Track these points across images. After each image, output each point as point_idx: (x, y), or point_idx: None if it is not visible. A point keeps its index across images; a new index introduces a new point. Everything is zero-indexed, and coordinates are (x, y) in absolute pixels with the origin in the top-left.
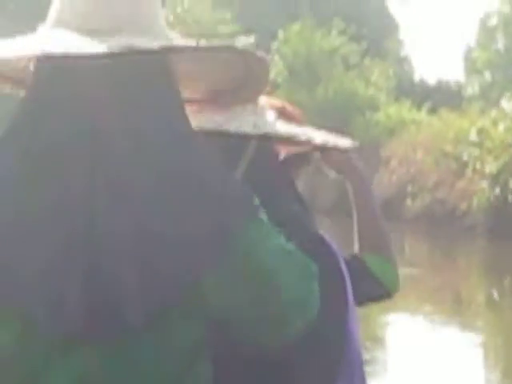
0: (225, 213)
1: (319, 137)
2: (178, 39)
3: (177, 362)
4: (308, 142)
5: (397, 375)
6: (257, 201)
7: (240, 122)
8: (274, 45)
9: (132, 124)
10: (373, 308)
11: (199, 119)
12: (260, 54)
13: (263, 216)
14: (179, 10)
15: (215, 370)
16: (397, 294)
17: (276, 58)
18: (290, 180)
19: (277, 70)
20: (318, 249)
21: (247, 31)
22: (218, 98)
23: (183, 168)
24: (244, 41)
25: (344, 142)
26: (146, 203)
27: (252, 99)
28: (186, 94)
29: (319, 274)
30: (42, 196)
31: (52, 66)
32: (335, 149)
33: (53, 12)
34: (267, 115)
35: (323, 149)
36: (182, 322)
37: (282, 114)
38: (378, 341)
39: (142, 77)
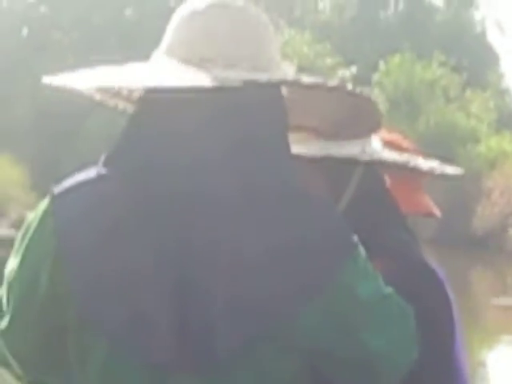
0: (323, 252)
1: (426, 164)
2: (292, 74)
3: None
4: (415, 169)
5: None
6: (355, 238)
7: (348, 148)
8: (375, 77)
9: (240, 163)
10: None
11: (306, 145)
12: (368, 95)
13: (362, 254)
14: (280, 41)
15: None
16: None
17: (377, 90)
18: (397, 208)
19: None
20: (427, 276)
21: (348, 63)
22: (330, 132)
23: (288, 216)
24: (345, 73)
25: (451, 170)
26: (242, 227)
27: (365, 136)
28: (295, 121)
29: (426, 307)
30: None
31: (163, 98)
32: (442, 176)
33: (165, 42)
34: (374, 142)
35: (429, 176)
36: (275, 355)
37: (391, 144)
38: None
39: (256, 113)
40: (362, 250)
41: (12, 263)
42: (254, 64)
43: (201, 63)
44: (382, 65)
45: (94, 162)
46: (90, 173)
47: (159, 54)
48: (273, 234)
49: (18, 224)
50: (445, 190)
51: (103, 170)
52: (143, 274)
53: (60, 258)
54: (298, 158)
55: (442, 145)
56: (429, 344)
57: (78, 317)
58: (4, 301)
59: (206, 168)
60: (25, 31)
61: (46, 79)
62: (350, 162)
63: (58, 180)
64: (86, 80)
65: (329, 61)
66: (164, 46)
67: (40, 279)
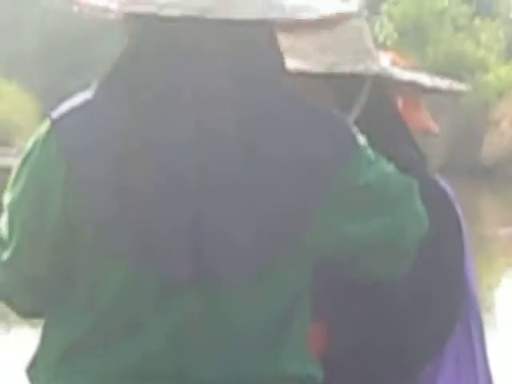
0: (326, 149)
1: (432, 80)
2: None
3: (281, 309)
4: (421, 86)
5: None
6: (354, 130)
7: (352, 64)
8: (384, 7)
9: (238, 80)
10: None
11: (310, 63)
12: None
13: (362, 145)
14: None
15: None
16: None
17: (385, 19)
18: (406, 126)
19: (386, 31)
20: (437, 194)
21: None
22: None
23: (287, 119)
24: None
25: (456, 86)
26: (255, 150)
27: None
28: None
29: (436, 225)
30: (153, 134)
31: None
32: (447, 92)
33: None
34: (381, 60)
35: (435, 93)
36: (290, 270)
37: (397, 64)
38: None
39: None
40: (361, 139)
41: (13, 192)
42: None
43: None
44: None
45: (88, 87)
46: (87, 95)
47: None
48: (280, 148)
49: None
50: (452, 120)
51: (102, 91)
52: (161, 195)
53: (72, 182)
54: (304, 74)
55: (450, 74)
56: (438, 261)
57: (94, 240)
58: (5, 232)
59: (209, 97)
60: None
61: None
62: (358, 78)
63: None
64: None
65: None
66: None
67: (49, 205)
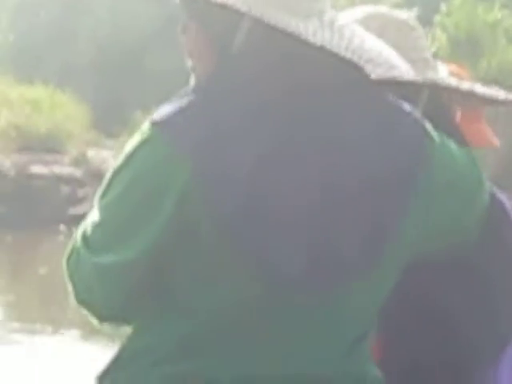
0: (401, 157)
1: (490, 91)
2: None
3: (372, 312)
4: (479, 96)
5: None
6: (429, 126)
7: (412, 73)
8: (437, 18)
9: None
10: None
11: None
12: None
13: (432, 134)
14: None
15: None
16: None
17: (438, 31)
18: (463, 138)
19: (439, 43)
20: (495, 207)
21: (410, 4)
22: None
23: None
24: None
25: None
26: (362, 153)
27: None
28: None
29: (496, 230)
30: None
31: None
32: (505, 102)
33: None
34: (438, 70)
35: (492, 104)
36: (383, 278)
37: (455, 75)
38: None
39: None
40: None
41: (112, 194)
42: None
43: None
44: (443, 6)
45: (177, 94)
46: (187, 99)
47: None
48: (368, 164)
49: (78, 161)
50: (506, 131)
51: (204, 93)
52: (284, 196)
53: (192, 184)
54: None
55: (503, 86)
56: (498, 271)
57: (214, 239)
58: (98, 235)
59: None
60: None
61: None
62: (415, 87)
63: (119, 118)
64: None
65: (391, 1)
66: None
67: (158, 207)
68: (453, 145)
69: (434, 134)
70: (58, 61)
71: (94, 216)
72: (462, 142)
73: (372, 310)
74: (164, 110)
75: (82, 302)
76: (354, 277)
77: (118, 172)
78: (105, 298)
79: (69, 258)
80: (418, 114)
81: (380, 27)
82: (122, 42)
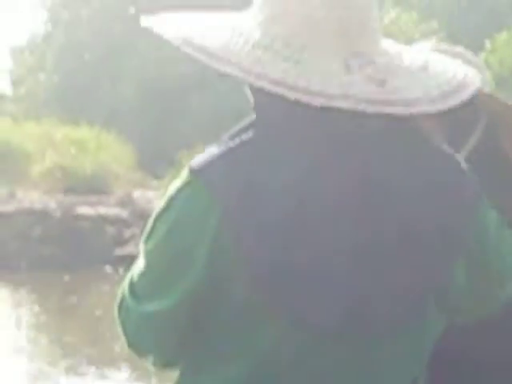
0: (459, 206)
1: None
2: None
3: (417, 363)
4: None
5: None
6: (478, 188)
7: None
8: (481, 55)
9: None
10: None
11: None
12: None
13: (483, 202)
14: (386, 20)
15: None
16: None
17: None
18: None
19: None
20: None
21: (454, 41)
22: None
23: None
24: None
25: None
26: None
27: None
28: None
29: None
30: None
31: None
32: None
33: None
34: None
35: None
36: (435, 318)
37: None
38: None
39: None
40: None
41: (153, 240)
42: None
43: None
44: (487, 43)
45: (219, 139)
46: (230, 143)
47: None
48: (419, 183)
49: (123, 202)
50: None
51: (248, 139)
52: (322, 260)
53: (224, 236)
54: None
55: None
56: None
57: (247, 292)
58: (143, 283)
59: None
60: (131, 10)
61: (144, 21)
62: (475, 112)
63: (165, 158)
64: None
65: (434, 40)
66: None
67: (196, 255)
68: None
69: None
70: (104, 102)
71: (139, 262)
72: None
73: (412, 362)
74: (201, 157)
75: (133, 348)
76: (388, 331)
77: (160, 216)
78: (153, 345)
79: (119, 306)
80: (469, 172)
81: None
82: (166, 82)
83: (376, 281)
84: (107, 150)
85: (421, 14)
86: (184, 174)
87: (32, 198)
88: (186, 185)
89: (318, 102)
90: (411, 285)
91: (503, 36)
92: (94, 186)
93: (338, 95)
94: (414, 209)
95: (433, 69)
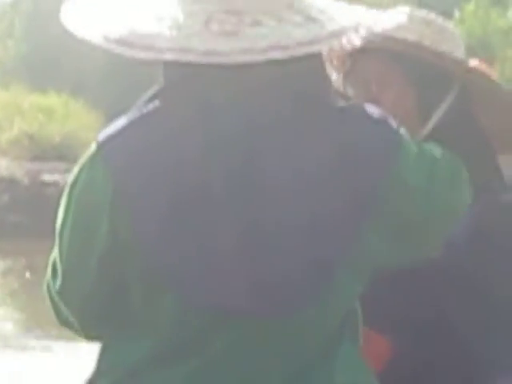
0: (370, 160)
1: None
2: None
3: (335, 326)
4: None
5: None
6: (398, 131)
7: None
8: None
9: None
10: None
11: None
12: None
13: (408, 145)
14: None
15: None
16: None
17: None
18: (489, 144)
19: None
20: (502, 218)
21: (424, 9)
22: None
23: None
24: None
25: None
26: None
27: None
28: None
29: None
30: (203, 157)
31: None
32: None
33: None
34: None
35: None
36: (344, 287)
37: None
38: None
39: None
40: (406, 138)
41: (61, 218)
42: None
43: (235, 18)
44: (456, 13)
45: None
46: (133, 115)
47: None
48: (321, 151)
49: None
50: None
51: (151, 109)
52: (212, 218)
53: (119, 203)
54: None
55: None
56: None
57: (143, 264)
58: (57, 259)
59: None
60: None
61: (63, 17)
62: (447, 78)
63: None
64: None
65: (404, 6)
66: None
67: (97, 230)
68: (432, 151)
69: (407, 141)
70: (72, 69)
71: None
72: (486, 147)
73: (335, 323)
74: (108, 129)
75: (63, 324)
76: (303, 303)
77: (68, 191)
78: (76, 320)
79: (45, 286)
80: (387, 121)
81: (420, 28)
82: None
83: (276, 257)
84: (75, 118)
85: None
86: (92, 146)
87: (0, 165)
88: (91, 156)
89: (148, 55)
90: (321, 258)
91: (471, 6)
92: (61, 154)
93: (169, 48)
94: (323, 183)
95: (324, 17)
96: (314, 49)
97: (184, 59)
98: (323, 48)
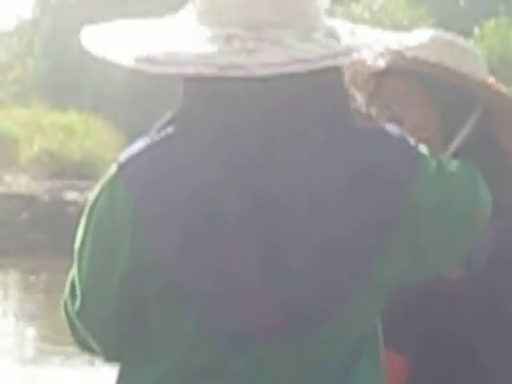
0: (387, 183)
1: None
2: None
3: (355, 342)
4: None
5: None
6: (417, 150)
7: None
8: (470, 43)
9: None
10: None
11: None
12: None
13: (425, 162)
14: (375, 7)
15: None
16: None
17: None
18: (508, 163)
19: None
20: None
21: (443, 27)
22: None
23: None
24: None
25: None
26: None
27: None
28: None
29: None
30: (222, 182)
31: (207, 89)
32: None
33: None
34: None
35: None
36: (366, 303)
37: None
38: None
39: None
40: (424, 155)
41: (81, 239)
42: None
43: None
44: (476, 30)
45: (154, 128)
46: (155, 136)
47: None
48: (340, 173)
49: None
50: None
51: (170, 132)
52: (232, 242)
53: (140, 226)
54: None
55: None
56: None
57: (165, 285)
58: (76, 279)
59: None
60: None
61: (85, 38)
62: (470, 99)
63: None
64: (128, 58)
65: (423, 25)
66: (195, 9)
67: (118, 251)
68: (452, 165)
69: (425, 159)
70: (92, 87)
71: (75, 259)
72: (507, 169)
73: (346, 350)
74: (129, 150)
75: (80, 345)
76: (316, 325)
77: (88, 212)
78: (96, 342)
79: (63, 306)
80: (405, 139)
81: (444, 50)
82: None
83: (295, 280)
84: (95, 136)
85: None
86: (113, 167)
87: (20, 182)
88: (112, 178)
89: (170, 70)
90: (333, 281)
91: (491, 23)
92: (81, 172)
93: (191, 62)
94: (341, 208)
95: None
96: (335, 62)
97: (205, 72)
98: (343, 61)
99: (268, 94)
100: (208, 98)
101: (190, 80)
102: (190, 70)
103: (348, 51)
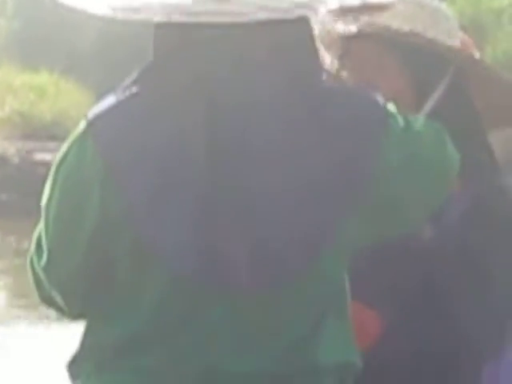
0: (354, 144)
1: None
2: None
3: (322, 302)
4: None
5: None
6: (384, 110)
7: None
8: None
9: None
10: None
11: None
12: None
13: (393, 123)
14: None
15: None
16: None
17: None
18: (482, 126)
19: None
20: (500, 199)
21: None
22: None
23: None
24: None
25: None
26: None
27: None
28: None
29: (500, 236)
30: (193, 133)
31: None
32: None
33: None
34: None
35: None
36: (335, 262)
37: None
38: None
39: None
40: (393, 113)
41: (49, 195)
42: None
43: None
44: None
45: (122, 84)
46: (123, 93)
47: None
48: (311, 131)
49: None
50: None
51: (138, 88)
52: (201, 192)
53: (110, 179)
54: (381, 40)
55: (509, 73)
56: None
57: (135, 238)
58: (43, 235)
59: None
60: None
61: None
62: (443, 60)
63: None
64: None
65: None
66: None
67: (87, 206)
68: (419, 123)
69: (394, 117)
70: (63, 48)
71: (42, 217)
72: (479, 128)
73: (318, 304)
74: (97, 107)
75: (45, 302)
76: (289, 277)
77: (55, 169)
78: (61, 298)
79: (29, 263)
80: (375, 98)
81: (414, 12)
82: (127, 28)
83: (267, 231)
84: (66, 97)
85: None
86: (82, 124)
87: None
88: (80, 135)
89: (139, 17)
90: (309, 232)
91: None
92: (52, 133)
93: (160, 9)
94: (312, 157)
95: None
96: (303, 12)
97: (173, 19)
98: (312, 12)
99: (238, 44)
100: (176, 47)
101: (160, 28)
102: (158, 17)
103: (318, 1)
